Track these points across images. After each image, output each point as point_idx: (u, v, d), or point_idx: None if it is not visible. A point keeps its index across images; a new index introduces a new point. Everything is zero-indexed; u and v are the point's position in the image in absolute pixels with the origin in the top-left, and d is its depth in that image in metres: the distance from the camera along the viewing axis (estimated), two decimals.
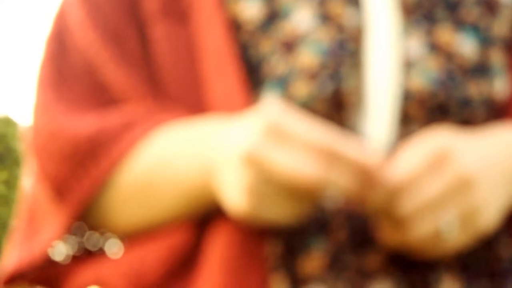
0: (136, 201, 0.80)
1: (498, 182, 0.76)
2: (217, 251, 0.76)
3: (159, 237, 0.79)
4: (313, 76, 0.78)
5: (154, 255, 0.78)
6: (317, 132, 0.70)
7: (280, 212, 0.72)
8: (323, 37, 0.79)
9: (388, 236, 0.73)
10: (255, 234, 0.75)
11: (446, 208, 0.71)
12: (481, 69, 0.81)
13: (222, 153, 0.74)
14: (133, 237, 0.81)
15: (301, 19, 0.80)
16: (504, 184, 0.76)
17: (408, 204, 0.71)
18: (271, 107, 0.72)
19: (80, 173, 0.80)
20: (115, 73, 0.83)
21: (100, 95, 0.84)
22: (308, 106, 0.77)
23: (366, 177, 0.70)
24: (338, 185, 0.70)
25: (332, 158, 0.69)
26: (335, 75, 0.77)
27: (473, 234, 0.73)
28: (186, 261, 0.78)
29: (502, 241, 0.79)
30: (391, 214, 0.71)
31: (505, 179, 0.76)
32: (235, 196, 0.73)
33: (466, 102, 0.79)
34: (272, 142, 0.70)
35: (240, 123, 0.74)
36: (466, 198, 0.72)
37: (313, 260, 0.75)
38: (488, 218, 0.74)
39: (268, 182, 0.70)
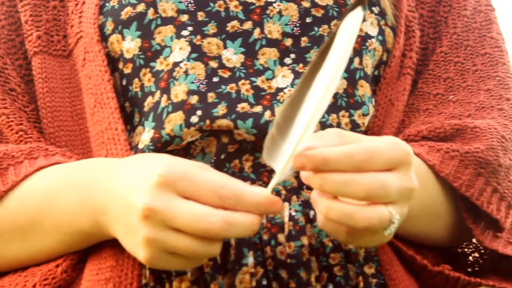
0: (14, 237, 0.80)
1: None
2: (93, 275, 0.77)
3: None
4: (186, 107, 0.79)
5: (30, 279, 0.78)
6: (209, 177, 0.68)
7: (178, 263, 0.70)
8: (197, 71, 0.81)
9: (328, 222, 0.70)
10: (133, 259, 0.76)
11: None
12: (348, 100, 0.84)
13: (112, 201, 0.73)
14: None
15: (177, 54, 0.81)
16: None
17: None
18: (160, 157, 0.71)
19: None
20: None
21: None
22: (183, 136, 0.79)
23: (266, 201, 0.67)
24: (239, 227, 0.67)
25: (232, 199, 0.67)
26: (206, 106, 0.79)
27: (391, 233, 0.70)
28: (63, 285, 0.78)
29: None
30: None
31: None
32: (133, 247, 0.71)
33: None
34: (169, 195, 0.68)
35: (129, 172, 0.72)
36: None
37: (183, 283, 0.76)
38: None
39: (168, 236, 0.68)
